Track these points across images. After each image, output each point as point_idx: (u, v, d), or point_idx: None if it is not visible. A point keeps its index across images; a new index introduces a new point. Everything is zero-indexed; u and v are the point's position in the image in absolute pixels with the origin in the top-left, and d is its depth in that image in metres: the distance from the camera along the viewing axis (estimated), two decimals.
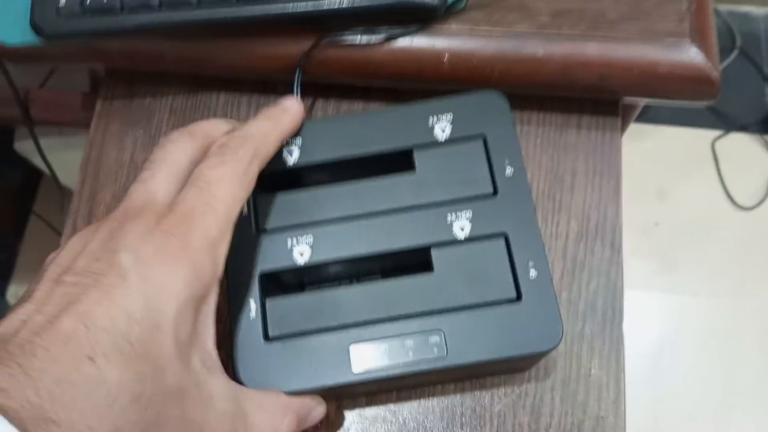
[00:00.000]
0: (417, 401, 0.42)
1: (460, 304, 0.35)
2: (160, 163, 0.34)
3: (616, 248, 0.45)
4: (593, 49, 0.43)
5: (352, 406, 0.42)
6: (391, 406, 0.42)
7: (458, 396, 0.42)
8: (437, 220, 0.37)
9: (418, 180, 0.38)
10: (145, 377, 0.27)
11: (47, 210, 1.33)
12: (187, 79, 0.51)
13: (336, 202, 0.38)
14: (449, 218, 0.37)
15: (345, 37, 0.44)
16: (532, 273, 0.36)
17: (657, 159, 1.42)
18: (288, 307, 0.36)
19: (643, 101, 0.48)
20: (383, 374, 0.34)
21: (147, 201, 0.32)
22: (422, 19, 0.44)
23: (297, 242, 0.37)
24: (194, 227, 0.31)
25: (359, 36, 0.44)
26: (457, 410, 0.42)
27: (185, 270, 0.29)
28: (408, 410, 0.42)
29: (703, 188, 1.43)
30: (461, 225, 0.37)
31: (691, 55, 0.44)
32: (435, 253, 0.37)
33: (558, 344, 0.35)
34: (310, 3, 0.41)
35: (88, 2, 0.41)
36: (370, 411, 0.42)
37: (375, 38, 0.44)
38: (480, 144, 0.38)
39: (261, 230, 0.37)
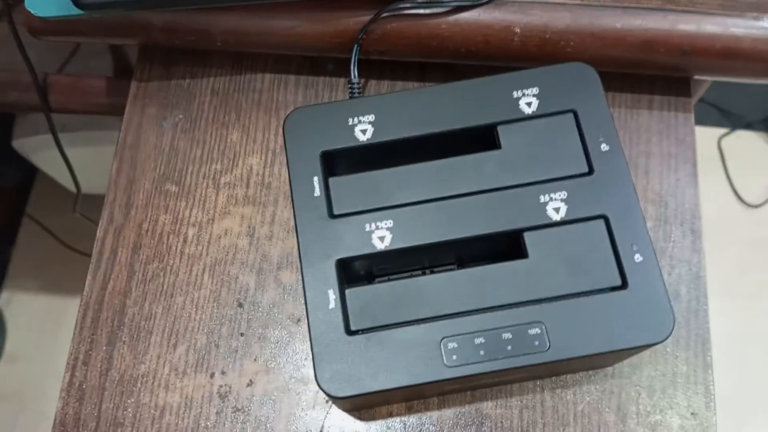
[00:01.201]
0: (494, 401, 0.39)
1: (559, 292, 0.32)
2: None
3: (697, 234, 0.42)
4: (674, 23, 0.41)
5: (423, 408, 0.39)
6: (467, 407, 0.39)
7: (538, 394, 0.39)
8: (529, 202, 0.34)
9: (504, 158, 0.35)
10: None
11: (41, 212, 1.28)
12: (229, 58, 0.47)
13: (415, 182, 0.35)
14: (542, 199, 0.34)
15: (408, 8, 0.41)
16: (637, 257, 0.33)
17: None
18: (369, 297, 0.33)
19: (717, 79, 0.46)
20: (478, 370, 0.31)
21: None
22: None
23: (376, 227, 0.34)
24: None
25: (423, 7, 0.41)
26: (538, 409, 0.39)
27: None
28: (485, 410, 0.39)
29: (710, 186, 1.42)
30: (555, 206, 0.34)
31: None
32: (528, 238, 0.33)
33: (669, 334, 0.32)
34: None
35: None
36: (445, 412, 0.39)
37: (440, 9, 0.41)
38: (571, 119, 0.35)
39: (335, 215, 0.34)
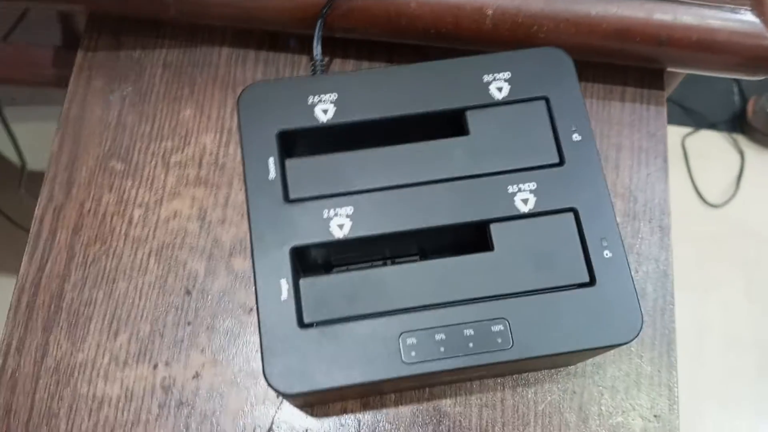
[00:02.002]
0: (452, 398, 0.37)
1: (525, 288, 0.31)
2: None
3: (665, 230, 0.41)
4: (651, 11, 0.39)
5: (379, 405, 0.37)
6: (425, 405, 0.37)
7: (498, 392, 0.38)
8: (496, 192, 0.32)
9: (472, 145, 0.33)
10: None
11: None
12: (185, 30, 0.44)
13: (378, 167, 0.33)
14: (510, 190, 0.32)
15: None
16: (607, 253, 0.31)
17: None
18: (325, 288, 0.31)
19: (691, 71, 0.44)
20: (439, 367, 0.29)
21: None
22: None
23: (335, 213, 0.32)
24: None
25: None
26: (498, 408, 0.37)
27: None
28: (444, 408, 0.37)
29: (672, 184, 1.43)
30: (524, 197, 0.32)
31: (752, 23, 0.40)
32: (495, 229, 0.32)
33: (638, 335, 0.30)
34: None
35: None
36: (402, 410, 0.37)
37: None
38: (542, 106, 0.34)
39: (291, 199, 0.32)
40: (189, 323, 0.38)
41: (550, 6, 0.39)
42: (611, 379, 0.38)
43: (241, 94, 0.34)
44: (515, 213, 0.32)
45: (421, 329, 0.30)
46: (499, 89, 0.34)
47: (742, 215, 1.40)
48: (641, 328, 0.30)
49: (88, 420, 0.37)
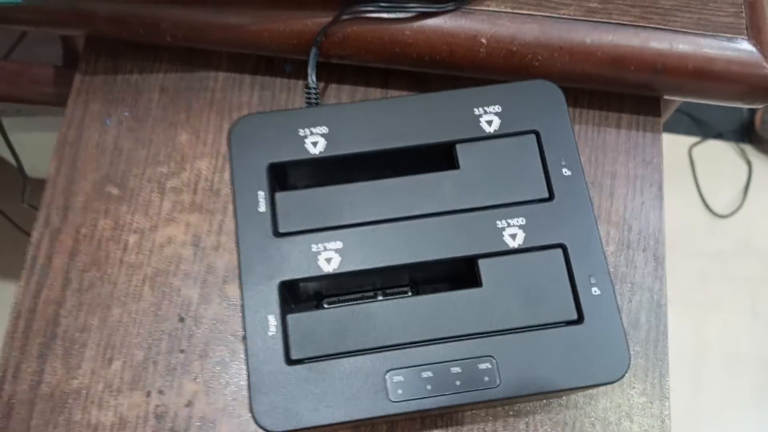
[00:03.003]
0: (444, 429, 0.37)
1: (512, 325, 0.31)
2: None
3: (659, 260, 0.41)
4: (646, 40, 0.39)
5: None
6: (416, 430, 0.37)
7: (490, 423, 0.37)
8: (485, 227, 0.32)
9: (461, 179, 0.33)
10: None
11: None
12: (182, 54, 0.45)
13: (367, 201, 0.33)
14: (499, 225, 0.32)
15: (370, 12, 0.39)
16: (595, 290, 0.31)
17: None
18: (313, 324, 0.31)
19: (688, 100, 0.44)
20: (425, 406, 0.29)
21: None
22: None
23: (323, 247, 0.32)
24: None
25: (386, 11, 0.39)
26: None
27: None
28: None
29: (679, 194, 1.42)
30: (512, 233, 0.32)
31: (749, 52, 0.40)
32: (483, 265, 0.32)
33: (625, 374, 0.30)
34: None
35: None
36: None
37: (404, 15, 0.39)
38: (533, 140, 0.34)
39: (280, 233, 0.32)
40: (182, 351, 0.38)
41: (545, 35, 0.39)
42: (603, 411, 0.38)
43: (232, 126, 0.34)
44: (504, 248, 0.32)
45: (408, 367, 0.30)
46: (489, 122, 0.34)
47: (749, 226, 1.40)
48: (628, 367, 0.30)
49: None
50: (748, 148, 1.47)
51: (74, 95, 0.44)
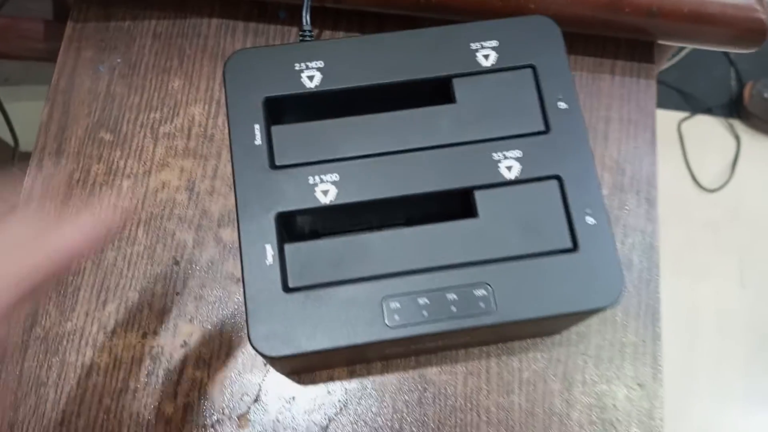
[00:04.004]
0: (438, 366, 0.38)
1: (508, 254, 0.31)
2: None
3: (652, 203, 0.41)
4: None
5: (366, 373, 0.37)
6: (411, 373, 0.37)
7: (483, 361, 0.38)
8: (481, 159, 0.32)
9: (458, 113, 0.33)
10: None
11: None
12: (174, 0, 0.44)
13: (364, 135, 0.33)
14: (495, 157, 0.32)
15: None
16: (590, 220, 0.31)
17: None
18: (310, 253, 0.31)
19: (682, 44, 0.44)
20: (421, 331, 0.29)
21: None
22: None
23: (320, 180, 0.32)
24: None
25: None
26: (483, 376, 0.38)
27: None
28: (429, 376, 0.37)
29: (669, 169, 1.43)
30: (509, 165, 0.32)
31: None
32: (479, 196, 0.32)
33: (619, 299, 0.30)
34: None
35: None
36: (388, 377, 0.37)
37: None
38: (529, 74, 0.34)
39: (277, 166, 0.32)
40: (177, 293, 0.38)
41: None
42: (596, 348, 0.38)
43: (227, 60, 0.33)
44: (500, 180, 0.32)
45: (405, 293, 0.30)
46: (486, 57, 0.34)
47: (737, 200, 1.41)
48: (622, 291, 0.30)
49: (77, 388, 0.37)
50: (737, 123, 1.48)
51: (66, 43, 0.44)
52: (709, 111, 1.49)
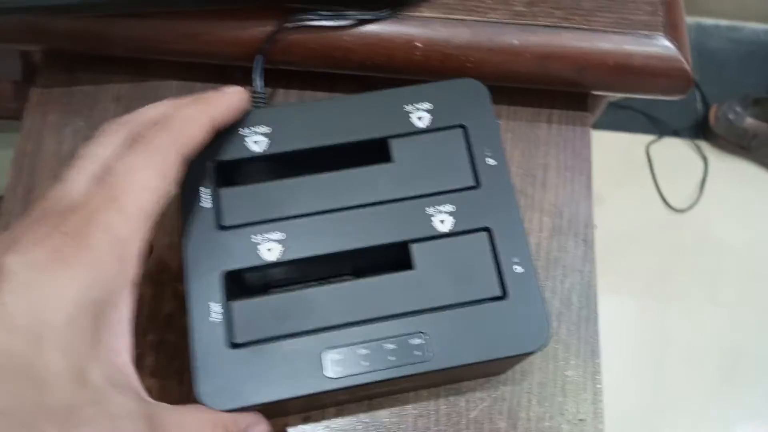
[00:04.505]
0: (389, 409, 0.40)
1: (442, 303, 0.33)
2: (82, 159, 0.30)
3: (589, 244, 0.44)
4: (569, 40, 0.42)
5: (320, 418, 0.39)
6: (362, 416, 0.39)
7: (432, 402, 0.40)
8: (416, 214, 0.35)
9: (394, 171, 0.36)
10: (21, 393, 0.23)
11: None
12: (136, 65, 0.47)
13: (307, 194, 0.35)
14: (429, 211, 0.35)
15: (312, 20, 0.42)
16: (517, 269, 0.34)
17: (594, 164, 1.44)
18: (256, 309, 0.33)
19: (614, 95, 0.47)
20: (360, 381, 0.32)
21: (59, 201, 0.28)
22: (393, 3, 0.42)
23: (264, 238, 0.34)
24: (95, 226, 0.27)
25: (327, 20, 0.42)
26: (432, 417, 0.40)
27: (81, 273, 0.25)
28: (381, 419, 0.39)
29: (638, 191, 1.46)
30: (442, 218, 0.35)
31: (666, 47, 0.43)
32: (415, 249, 0.34)
33: (546, 343, 0.33)
34: None
35: None
36: (340, 421, 0.39)
37: (344, 22, 0.42)
38: (459, 134, 0.36)
39: (224, 226, 0.34)
40: (137, 346, 0.40)
41: (476, 37, 0.42)
42: (539, 386, 0.41)
43: None
44: (434, 233, 0.34)
45: (344, 345, 0.32)
46: (420, 118, 0.36)
47: (706, 220, 1.44)
48: (548, 337, 0.33)
49: None
50: (704, 145, 1.52)
51: (32, 108, 0.46)
52: (676, 133, 1.53)
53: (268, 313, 0.33)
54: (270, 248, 0.34)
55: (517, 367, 0.41)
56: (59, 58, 0.47)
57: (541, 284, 0.38)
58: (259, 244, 0.34)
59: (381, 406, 0.39)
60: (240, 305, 0.33)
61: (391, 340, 0.32)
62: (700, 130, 1.53)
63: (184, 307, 0.40)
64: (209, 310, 0.32)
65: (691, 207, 1.44)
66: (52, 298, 0.25)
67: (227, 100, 0.34)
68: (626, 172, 1.49)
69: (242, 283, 0.35)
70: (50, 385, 0.24)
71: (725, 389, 1.28)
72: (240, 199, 0.35)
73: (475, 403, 0.40)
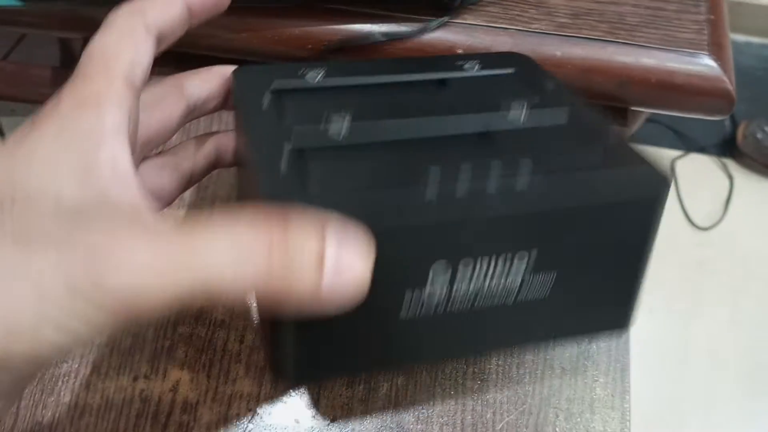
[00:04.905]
0: (414, 411, 0.39)
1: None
2: None
3: None
4: (612, 54, 0.42)
5: (348, 414, 0.39)
6: (388, 420, 0.39)
7: (459, 411, 0.40)
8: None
9: (456, 93, 0.35)
10: None
11: None
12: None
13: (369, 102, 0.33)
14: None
15: (367, 41, 0.42)
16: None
17: None
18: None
19: (652, 111, 0.47)
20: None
21: None
22: (437, 10, 0.42)
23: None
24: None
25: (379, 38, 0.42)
26: (458, 426, 0.39)
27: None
28: (406, 425, 0.39)
29: None
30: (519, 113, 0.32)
31: (709, 67, 0.42)
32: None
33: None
34: None
35: None
36: (365, 425, 0.39)
37: (387, 32, 0.42)
38: (514, 75, 0.36)
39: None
40: (168, 338, 0.40)
41: (518, 47, 0.42)
42: (567, 402, 0.40)
43: (235, 70, 0.35)
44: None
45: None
46: (473, 68, 0.36)
47: (729, 239, 1.43)
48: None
49: (70, 427, 0.39)
50: (730, 163, 1.50)
51: None
52: (702, 150, 1.52)
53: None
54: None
55: (545, 382, 0.40)
56: None
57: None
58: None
59: (406, 411, 0.39)
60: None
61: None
62: (727, 147, 1.52)
63: (214, 303, 0.40)
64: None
65: (714, 225, 1.43)
66: None
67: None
68: None
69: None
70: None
71: (748, 404, 1.27)
72: (302, 103, 0.33)
73: (501, 415, 0.40)
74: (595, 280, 0.32)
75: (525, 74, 0.36)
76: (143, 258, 0.20)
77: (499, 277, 0.29)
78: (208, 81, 0.34)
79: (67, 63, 0.57)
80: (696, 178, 1.49)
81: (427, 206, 0.26)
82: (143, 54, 0.29)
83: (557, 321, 0.32)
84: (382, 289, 0.25)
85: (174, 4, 0.30)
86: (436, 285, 0.28)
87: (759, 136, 1.46)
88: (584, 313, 0.33)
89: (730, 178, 1.49)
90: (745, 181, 1.49)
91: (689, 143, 1.52)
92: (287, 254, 0.21)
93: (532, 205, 0.28)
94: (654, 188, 0.30)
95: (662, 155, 1.50)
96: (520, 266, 0.29)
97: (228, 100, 0.35)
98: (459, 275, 0.28)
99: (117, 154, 0.24)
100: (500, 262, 0.29)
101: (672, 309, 1.36)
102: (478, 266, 0.28)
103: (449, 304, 0.29)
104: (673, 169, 1.49)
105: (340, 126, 0.30)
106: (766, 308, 1.36)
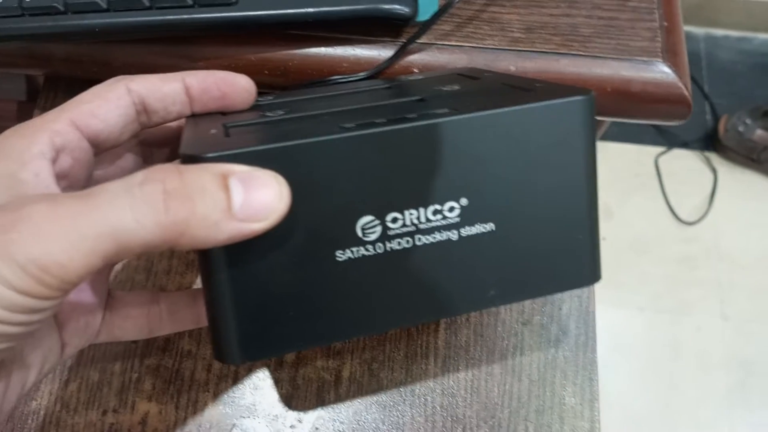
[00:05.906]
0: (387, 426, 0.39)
1: None
2: None
3: None
4: (566, 66, 0.42)
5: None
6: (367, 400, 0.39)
7: (429, 429, 0.40)
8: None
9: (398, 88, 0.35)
10: None
11: None
12: None
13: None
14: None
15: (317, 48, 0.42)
16: None
17: (602, 175, 1.43)
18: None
19: (612, 119, 0.47)
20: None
21: None
22: (391, 31, 0.42)
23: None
24: None
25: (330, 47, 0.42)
26: None
27: None
28: None
29: (647, 203, 1.46)
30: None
31: (664, 73, 0.43)
32: None
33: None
34: (276, 9, 0.38)
35: (27, 1, 0.37)
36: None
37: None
38: (457, 73, 0.37)
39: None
40: (135, 370, 0.41)
41: (472, 63, 0.42)
42: (536, 414, 0.40)
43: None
44: None
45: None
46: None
47: (715, 232, 1.43)
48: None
49: None
50: (713, 156, 1.51)
51: None
52: (685, 145, 1.52)
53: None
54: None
55: (515, 393, 0.40)
56: (60, 82, 0.47)
57: (528, 311, 0.37)
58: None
59: (376, 428, 0.39)
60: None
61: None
62: (709, 141, 1.52)
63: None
64: None
65: (700, 219, 1.43)
66: None
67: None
68: (635, 183, 1.49)
69: None
70: None
71: (735, 403, 1.27)
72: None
73: (472, 430, 0.40)
74: (538, 221, 0.29)
75: (469, 72, 0.36)
76: (50, 225, 0.22)
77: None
78: (165, 81, 0.33)
79: (33, 96, 0.57)
80: (680, 173, 1.50)
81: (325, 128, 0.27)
82: (111, 109, 0.30)
83: (510, 267, 0.29)
84: (310, 233, 0.26)
85: (169, 80, 0.31)
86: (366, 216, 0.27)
87: (740, 128, 1.46)
88: (538, 264, 0.30)
89: (714, 171, 1.49)
90: (729, 174, 1.50)
91: (671, 139, 1.52)
92: (184, 187, 0.22)
93: (445, 117, 0.26)
94: (576, 96, 0.28)
95: (645, 152, 1.51)
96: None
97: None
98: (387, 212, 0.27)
99: (40, 171, 0.27)
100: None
101: (658, 305, 1.36)
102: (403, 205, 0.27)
103: (387, 242, 0.27)
104: (656, 166, 1.49)
105: (273, 115, 0.31)
106: (753, 303, 1.36)
